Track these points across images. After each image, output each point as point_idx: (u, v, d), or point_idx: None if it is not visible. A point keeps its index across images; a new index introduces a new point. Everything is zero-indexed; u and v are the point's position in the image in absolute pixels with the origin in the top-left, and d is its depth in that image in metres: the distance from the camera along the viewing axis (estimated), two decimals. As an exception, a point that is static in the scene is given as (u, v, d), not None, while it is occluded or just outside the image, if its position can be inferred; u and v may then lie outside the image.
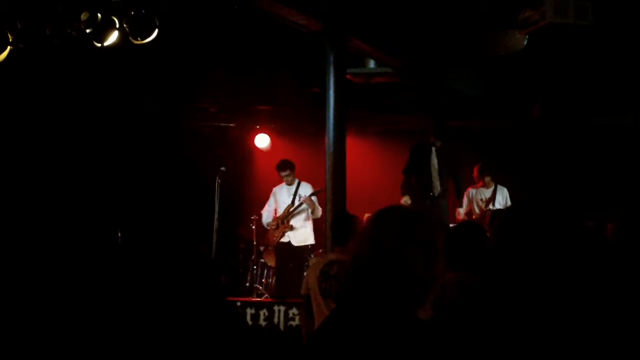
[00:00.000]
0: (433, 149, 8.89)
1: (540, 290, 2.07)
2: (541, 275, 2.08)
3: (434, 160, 8.88)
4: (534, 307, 2.07)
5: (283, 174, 8.96)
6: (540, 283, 2.08)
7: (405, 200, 8.80)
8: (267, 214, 9.15)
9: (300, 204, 8.87)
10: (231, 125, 11.35)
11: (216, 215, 8.82)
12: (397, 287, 1.97)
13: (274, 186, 9.27)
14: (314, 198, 8.85)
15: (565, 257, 2.10)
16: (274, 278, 9.33)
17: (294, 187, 9.03)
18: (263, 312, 8.06)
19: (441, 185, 8.86)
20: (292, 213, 8.91)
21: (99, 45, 7.19)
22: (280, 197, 9.11)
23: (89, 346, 3.37)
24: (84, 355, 3.38)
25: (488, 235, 6.60)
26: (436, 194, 8.81)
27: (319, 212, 8.87)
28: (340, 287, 2.14)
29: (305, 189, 8.97)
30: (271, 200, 9.22)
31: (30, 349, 3.49)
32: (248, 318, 7.98)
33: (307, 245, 9.05)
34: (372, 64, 8.25)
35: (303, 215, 8.96)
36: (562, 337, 2.02)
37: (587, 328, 2.06)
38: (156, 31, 7.02)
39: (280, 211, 9.00)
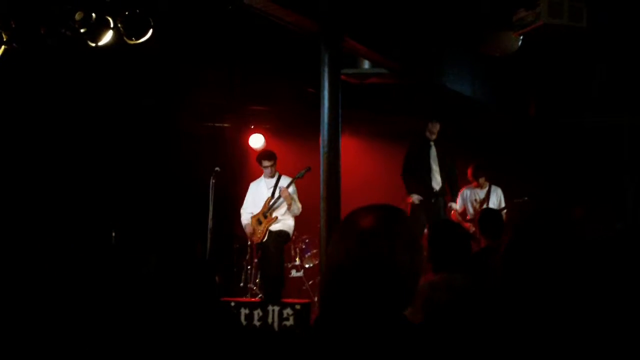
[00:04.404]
0: (431, 143, 9.02)
1: (546, 296, 2.07)
2: (550, 282, 2.07)
3: (433, 154, 9.01)
4: (536, 311, 2.06)
5: (268, 164, 8.72)
6: (548, 290, 2.07)
7: (416, 198, 8.87)
8: (247, 216, 8.90)
9: (280, 196, 8.62)
10: (225, 125, 11.35)
11: (210, 216, 8.80)
12: (387, 289, 1.95)
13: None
14: (291, 189, 8.62)
15: (576, 266, 2.09)
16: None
17: (274, 180, 8.81)
18: (257, 313, 8.04)
19: (442, 178, 8.99)
20: (272, 206, 8.67)
21: (93, 45, 7.19)
22: (259, 191, 8.87)
23: (81, 345, 3.36)
24: (77, 354, 3.37)
25: (474, 234, 6.64)
26: (437, 188, 8.93)
27: (297, 208, 8.68)
28: (324, 292, 2.08)
29: (285, 182, 8.73)
30: (248, 198, 8.97)
31: (24, 348, 3.48)
32: (242, 318, 7.97)
33: (286, 231, 8.76)
34: (366, 64, 8.25)
35: (284, 208, 8.71)
36: (558, 342, 2.02)
37: (583, 333, 2.05)
38: (150, 31, 7.02)
39: (259, 206, 8.75)
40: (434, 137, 9.15)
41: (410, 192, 9.03)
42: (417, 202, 8.91)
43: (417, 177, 9.06)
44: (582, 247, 2.16)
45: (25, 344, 3.48)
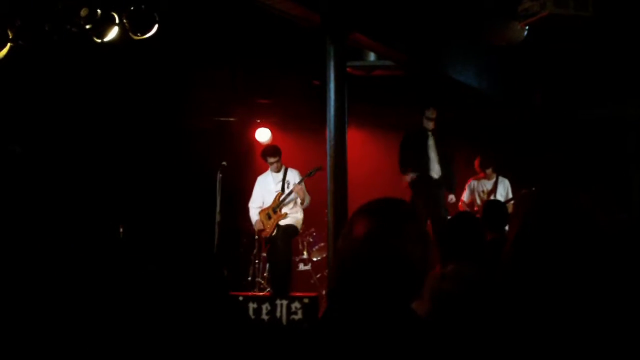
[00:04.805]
0: (429, 132, 8.93)
1: (555, 286, 2.06)
2: (561, 271, 2.07)
3: (431, 143, 8.92)
4: (543, 302, 2.06)
5: (272, 160, 8.73)
6: (558, 279, 2.06)
7: (410, 176, 8.71)
8: (255, 211, 8.92)
9: (291, 192, 8.65)
10: (231, 119, 11.35)
11: (218, 210, 8.81)
12: (397, 283, 1.95)
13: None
14: (302, 186, 8.68)
15: (588, 256, 2.09)
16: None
17: (281, 173, 8.83)
18: (265, 306, 8.06)
19: (440, 168, 8.87)
20: (282, 202, 8.69)
21: (99, 41, 7.20)
22: (267, 186, 8.87)
23: (89, 343, 3.38)
24: (84, 351, 3.38)
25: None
26: (436, 177, 8.81)
27: (308, 200, 8.72)
28: (334, 284, 2.09)
29: (293, 175, 8.77)
30: (257, 192, 8.98)
31: (32, 345, 3.50)
32: (250, 312, 7.99)
33: (295, 225, 8.79)
34: (372, 56, 8.24)
35: (293, 203, 8.76)
36: (566, 334, 2.02)
37: (592, 326, 2.05)
38: (156, 26, 7.02)
39: (268, 201, 8.79)
40: (431, 124, 8.99)
41: (405, 172, 8.81)
42: (414, 177, 8.72)
43: (415, 167, 8.90)
44: (593, 236, 2.15)
45: (33, 335, 3.50)
